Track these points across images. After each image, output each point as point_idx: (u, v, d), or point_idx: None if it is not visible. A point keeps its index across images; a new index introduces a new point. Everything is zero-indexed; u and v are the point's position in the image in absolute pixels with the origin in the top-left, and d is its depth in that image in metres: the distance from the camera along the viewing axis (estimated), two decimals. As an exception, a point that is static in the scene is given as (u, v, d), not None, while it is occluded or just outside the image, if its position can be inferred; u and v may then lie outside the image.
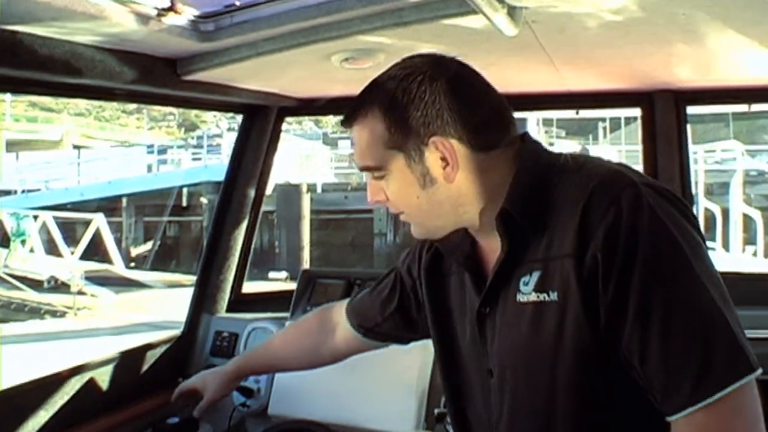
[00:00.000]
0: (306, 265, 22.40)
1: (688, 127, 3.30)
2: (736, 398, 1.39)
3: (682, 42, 2.51)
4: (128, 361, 3.00)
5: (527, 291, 1.59)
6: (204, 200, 26.91)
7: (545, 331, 1.56)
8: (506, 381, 1.67)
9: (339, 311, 2.37)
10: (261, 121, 3.44)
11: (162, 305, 16.47)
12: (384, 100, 1.67)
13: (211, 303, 3.47)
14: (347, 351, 2.39)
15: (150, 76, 2.52)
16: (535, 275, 1.58)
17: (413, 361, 2.75)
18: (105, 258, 21.39)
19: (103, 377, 2.83)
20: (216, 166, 30.03)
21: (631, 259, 1.44)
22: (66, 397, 2.65)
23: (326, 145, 39.66)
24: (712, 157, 22.59)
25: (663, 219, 1.48)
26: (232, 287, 3.53)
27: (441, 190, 1.66)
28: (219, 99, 3.06)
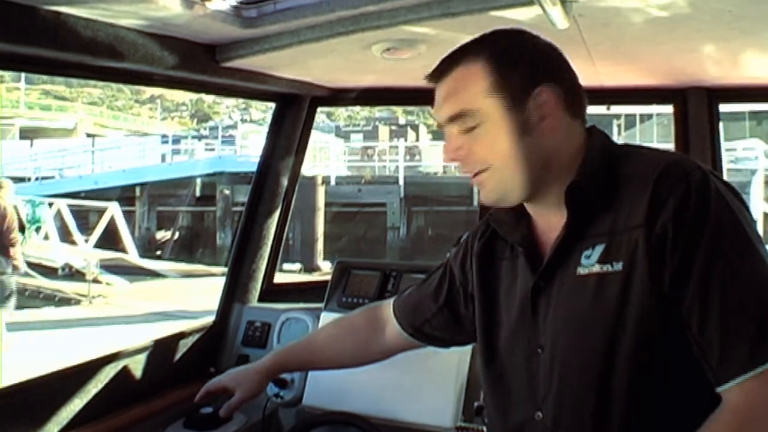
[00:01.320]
0: (320, 257, 22.41)
1: (721, 124, 3.29)
2: None
3: (723, 39, 2.50)
4: (161, 349, 2.98)
5: (589, 263, 1.63)
6: (219, 191, 26.92)
7: (607, 300, 1.60)
8: (558, 355, 1.69)
9: (387, 309, 2.35)
10: (294, 110, 3.42)
11: (177, 295, 16.50)
12: (494, 48, 1.71)
13: (243, 292, 3.46)
14: (395, 349, 2.38)
15: (189, 62, 2.51)
16: (599, 248, 1.63)
17: (451, 353, 2.72)
18: (119, 247, 21.39)
19: (136, 366, 2.82)
20: (230, 157, 30.08)
21: (699, 229, 1.51)
22: (100, 385, 2.64)
23: (339, 138, 39.72)
24: (733, 154, 22.48)
25: (727, 200, 1.56)
26: (264, 277, 3.51)
27: (535, 141, 1.68)
28: (254, 87, 3.04)
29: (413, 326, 2.24)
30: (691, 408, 1.55)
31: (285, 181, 3.48)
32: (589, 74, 3.01)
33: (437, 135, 56.68)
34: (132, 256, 21.37)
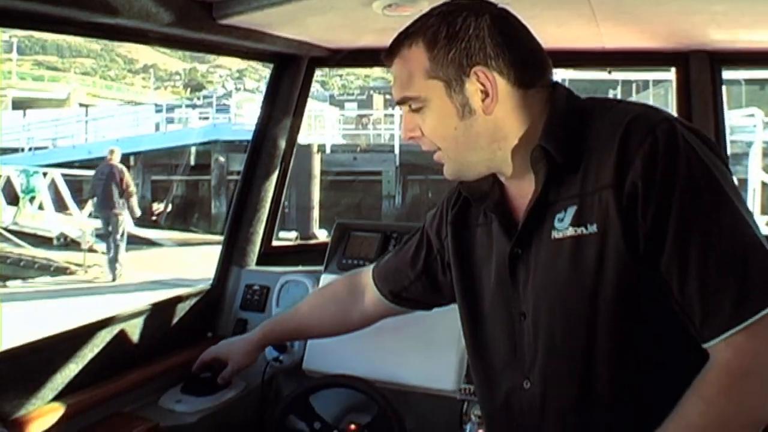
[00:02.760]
0: (316, 225, 22.39)
1: (724, 89, 3.27)
2: None
3: (728, 1, 2.47)
4: (158, 314, 2.93)
5: (563, 227, 1.62)
6: (214, 159, 26.87)
7: (584, 264, 1.58)
8: (541, 321, 1.67)
9: (367, 275, 2.37)
10: (292, 71, 3.35)
11: (173, 263, 16.49)
12: (428, 32, 1.69)
13: (241, 256, 3.40)
14: (375, 316, 2.41)
15: (186, 19, 2.45)
16: (571, 210, 1.61)
17: (453, 315, 2.69)
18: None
19: (132, 330, 2.77)
20: (225, 125, 30.00)
21: (670, 185, 1.48)
22: (96, 350, 2.59)
23: (333, 106, 39.69)
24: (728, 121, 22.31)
25: (697, 151, 1.52)
26: (262, 240, 3.46)
27: (479, 122, 1.68)
28: (251, 46, 2.97)
29: (392, 293, 2.27)
30: (678, 367, 1.54)
31: (283, 143, 3.42)
32: (591, 36, 2.99)
33: (432, 104, 56.74)
34: (127, 224, 21.29)
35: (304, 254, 3.60)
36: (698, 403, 1.44)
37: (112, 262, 15.29)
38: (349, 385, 2.65)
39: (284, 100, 3.38)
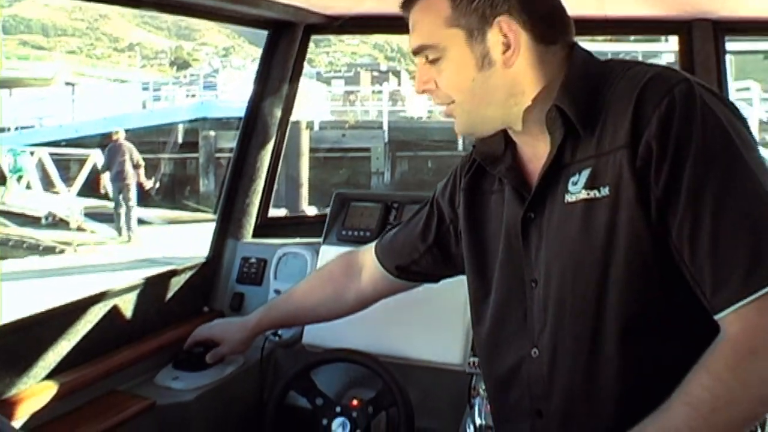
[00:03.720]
0: (305, 202, 22.35)
1: (728, 58, 3.24)
2: None
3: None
4: (152, 288, 2.85)
5: (576, 190, 1.57)
6: (202, 137, 26.78)
7: (597, 228, 1.53)
8: (551, 288, 1.63)
9: (365, 254, 2.34)
10: (287, 38, 3.25)
11: (162, 241, 16.41)
12: None
13: (237, 228, 3.32)
14: (374, 295, 2.37)
15: None
16: (585, 173, 1.56)
17: (457, 288, 2.62)
18: (102, 194, 21.22)
19: (126, 305, 2.69)
20: (212, 102, 29.90)
21: (685, 147, 1.43)
22: (89, 326, 2.51)
23: (320, 83, 39.67)
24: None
25: (716, 112, 1.46)
26: (258, 211, 3.38)
27: (497, 74, 1.63)
28: (246, 12, 2.90)
29: (399, 267, 2.22)
30: (688, 336, 1.49)
31: (278, 112, 3.32)
32: (593, 2, 2.95)
33: (419, 80, 56.86)
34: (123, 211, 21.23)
35: (302, 226, 3.53)
36: (705, 377, 1.38)
37: (127, 224, 17.16)
38: (351, 360, 2.58)
39: (279, 69, 3.28)
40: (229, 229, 3.30)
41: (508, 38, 1.60)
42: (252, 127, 3.30)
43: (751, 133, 1.52)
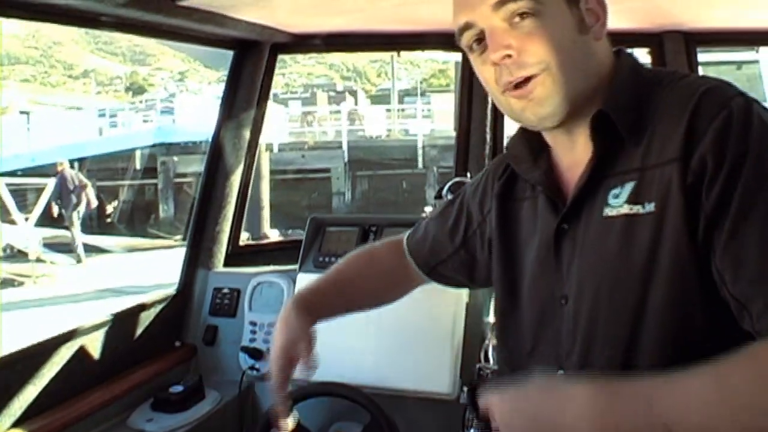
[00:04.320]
0: (267, 225, 22.31)
1: (701, 69, 3.30)
2: None
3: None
4: (121, 325, 2.74)
5: (617, 204, 1.46)
6: (160, 162, 26.66)
7: (638, 245, 1.42)
8: (583, 306, 1.52)
9: (400, 246, 2.16)
10: (253, 58, 3.17)
11: (124, 270, 16.23)
12: None
13: (207, 257, 3.20)
14: (414, 287, 2.21)
15: (142, 0, 2.26)
16: (629, 186, 1.45)
17: (445, 313, 2.53)
18: (61, 224, 21.00)
19: (95, 344, 2.58)
20: (170, 127, 29.79)
21: (739, 164, 1.31)
22: (56, 369, 2.40)
23: (277, 104, 39.65)
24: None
25: None
26: (230, 239, 3.27)
27: (590, 43, 1.52)
28: (211, 31, 2.80)
29: (429, 266, 2.07)
30: None
31: (247, 134, 3.22)
32: None
33: (375, 100, 57.10)
34: (75, 232, 21.00)
35: (276, 252, 3.44)
36: (750, 368, 1.24)
37: (75, 251, 18.06)
38: (337, 393, 2.47)
39: (246, 90, 3.19)
40: (199, 258, 3.19)
41: (598, 10, 1.53)
42: (219, 150, 3.19)
43: None
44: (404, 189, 27.23)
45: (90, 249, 19.30)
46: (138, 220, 27.43)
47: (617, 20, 2.95)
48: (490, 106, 3.34)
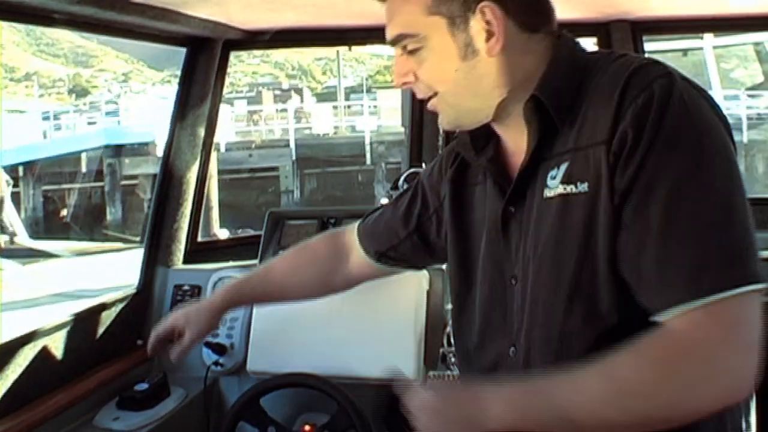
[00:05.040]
0: (216, 225, 22.18)
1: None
2: (734, 306, 1.30)
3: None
4: (82, 325, 2.71)
5: (554, 185, 1.51)
6: (107, 165, 26.37)
7: (573, 224, 1.46)
8: (529, 284, 1.57)
9: (350, 235, 2.22)
10: (206, 55, 3.15)
11: (73, 274, 16.03)
12: None
13: (166, 255, 3.19)
14: (359, 278, 2.25)
15: None
16: (563, 167, 1.49)
17: (405, 298, 2.54)
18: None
19: (57, 344, 2.56)
20: (115, 129, 29.47)
21: (652, 143, 1.36)
22: (19, 370, 2.38)
23: (223, 104, 39.36)
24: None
25: (692, 112, 1.40)
26: (188, 236, 3.26)
27: (481, 64, 1.55)
28: (164, 28, 2.79)
29: (378, 252, 2.12)
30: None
31: (202, 131, 3.21)
32: None
33: (321, 97, 56.92)
34: (22, 237, 20.70)
35: (235, 248, 3.43)
36: (637, 359, 1.33)
37: None
38: (304, 384, 2.48)
39: (200, 86, 3.17)
40: (158, 256, 3.18)
41: (492, 25, 1.53)
42: (175, 148, 3.18)
43: (730, 135, 1.46)
44: (353, 185, 27.24)
45: (39, 254, 19.06)
46: (86, 223, 27.11)
47: (564, 11, 2.98)
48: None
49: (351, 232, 2.22)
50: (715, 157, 1.38)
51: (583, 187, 1.44)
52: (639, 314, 1.41)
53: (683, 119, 1.38)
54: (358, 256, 2.18)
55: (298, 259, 2.32)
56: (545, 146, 1.53)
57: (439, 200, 1.94)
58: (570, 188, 1.47)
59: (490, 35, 1.53)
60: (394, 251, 2.08)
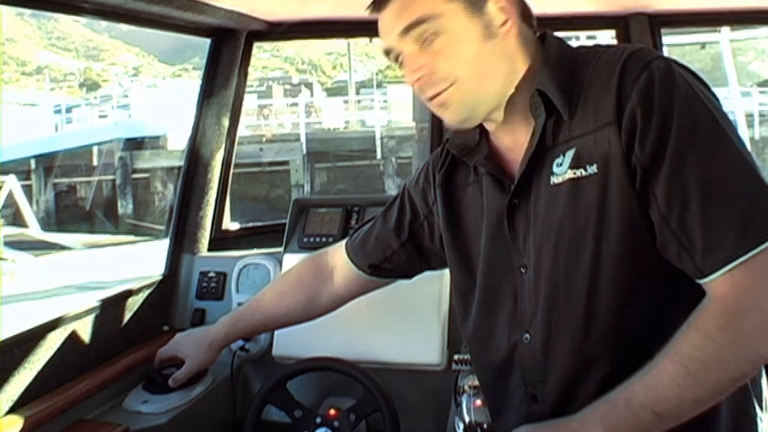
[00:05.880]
0: (227, 219, 22.23)
1: (665, 50, 3.29)
2: None
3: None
4: (109, 310, 2.75)
5: (561, 171, 1.58)
6: (118, 158, 26.41)
7: (586, 205, 1.54)
8: (543, 271, 1.63)
9: (334, 255, 2.33)
10: (230, 45, 3.19)
11: (85, 266, 16.06)
12: None
13: (192, 242, 3.23)
14: (348, 295, 2.35)
15: None
16: (570, 153, 1.57)
17: (430, 284, 2.59)
18: (20, 221, 20.76)
19: (85, 329, 2.59)
20: (126, 122, 29.49)
21: (669, 115, 1.45)
22: (50, 353, 2.41)
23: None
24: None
25: (693, 87, 1.49)
26: (213, 224, 3.30)
27: (499, 45, 1.61)
28: (190, 19, 2.81)
29: (372, 265, 2.21)
30: (681, 314, 1.47)
31: (226, 121, 3.25)
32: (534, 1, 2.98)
33: (332, 92, 56.80)
34: (34, 230, 20.74)
35: (259, 236, 3.47)
36: (694, 336, 1.40)
37: None
38: (331, 368, 2.51)
39: (224, 77, 3.21)
40: (184, 243, 3.22)
41: (506, 10, 1.60)
42: (201, 137, 3.21)
43: (722, 106, 1.54)
44: (364, 179, 27.22)
45: (51, 247, 19.09)
46: (96, 216, 27.18)
47: (583, 3, 3.06)
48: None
49: (334, 251, 2.32)
50: (724, 122, 1.47)
51: (593, 169, 1.52)
52: (662, 283, 1.51)
53: (689, 91, 1.47)
54: (344, 273, 2.26)
55: (283, 287, 2.43)
56: (546, 137, 1.61)
57: (428, 207, 2.03)
58: (579, 172, 1.54)
59: (505, 19, 1.60)
60: (389, 262, 2.16)
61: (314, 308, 2.37)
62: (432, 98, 1.64)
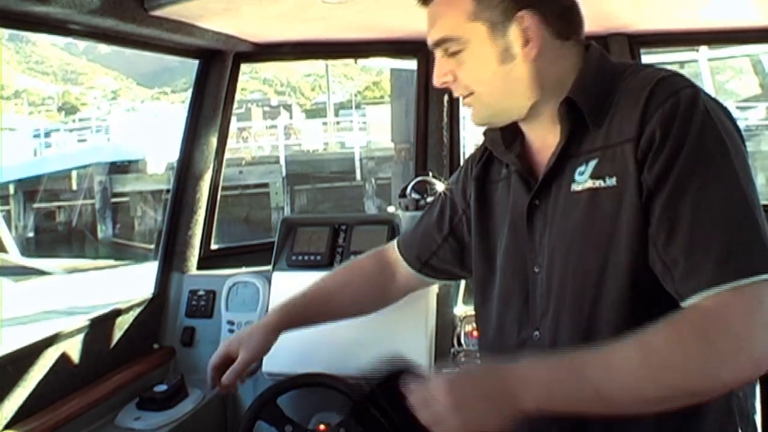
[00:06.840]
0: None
1: None
2: (759, 290, 1.38)
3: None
4: (100, 328, 2.78)
5: (582, 180, 1.62)
6: (97, 182, 26.33)
7: (601, 215, 1.58)
8: (555, 272, 1.67)
9: (392, 250, 2.32)
10: (218, 67, 3.22)
11: (65, 291, 15.99)
12: None
13: (181, 261, 3.26)
14: (405, 291, 2.37)
15: (116, 9, 2.34)
16: (592, 163, 1.61)
17: (417, 305, 2.62)
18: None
19: (76, 348, 2.62)
20: (105, 146, 29.39)
21: (681, 144, 1.48)
22: (43, 371, 2.44)
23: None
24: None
25: (715, 120, 1.51)
26: (202, 242, 3.33)
27: (518, 68, 1.67)
28: (179, 41, 2.85)
29: (420, 261, 2.21)
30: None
31: (214, 141, 3.28)
32: None
33: (311, 114, 56.78)
34: (13, 255, 20.64)
35: (248, 255, 3.50)
36: (668, 331, 1.41)
37: None
38: (318, 383, 2.53)
39: (212, 97, 3.25)
40: (173, 262, 3.24)
41: (528, 32, 1.64)
42: (189, 157, 3.25)
43: (745, 146, 1.57)
44: (344, 201, 27.23)
45: (30, 272, 18.98)
46: (76, 241, 27.07)
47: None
48: (446, 109, 3.48)
49: (392, 247, 2.32)
50: (736, 158, 1.49)
51: (612, 181, 1.57)
52: (662, 293, 1.50)
53: (708, 124, 1.50)
54: (403, 269, 2.26)
55: (351, 278, 2.38)
56: (573, 144, 1.65)
57: (465, 201, 2.04)
58: (599, 183, 1.59)
59: (527, 41, 1.65)
60: (435, 258, 2.17)
61: (381, 301, 2.37)
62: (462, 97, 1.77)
